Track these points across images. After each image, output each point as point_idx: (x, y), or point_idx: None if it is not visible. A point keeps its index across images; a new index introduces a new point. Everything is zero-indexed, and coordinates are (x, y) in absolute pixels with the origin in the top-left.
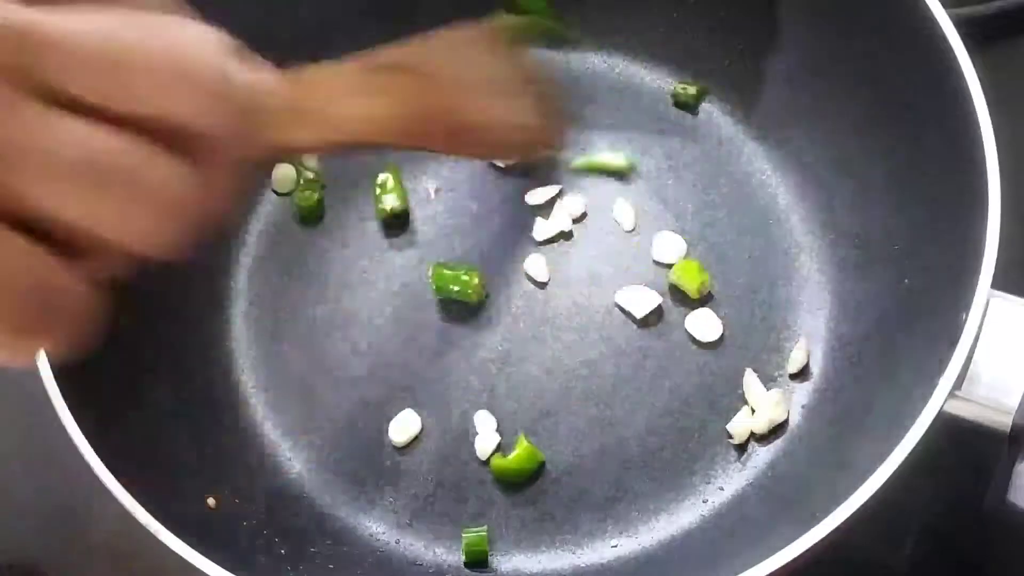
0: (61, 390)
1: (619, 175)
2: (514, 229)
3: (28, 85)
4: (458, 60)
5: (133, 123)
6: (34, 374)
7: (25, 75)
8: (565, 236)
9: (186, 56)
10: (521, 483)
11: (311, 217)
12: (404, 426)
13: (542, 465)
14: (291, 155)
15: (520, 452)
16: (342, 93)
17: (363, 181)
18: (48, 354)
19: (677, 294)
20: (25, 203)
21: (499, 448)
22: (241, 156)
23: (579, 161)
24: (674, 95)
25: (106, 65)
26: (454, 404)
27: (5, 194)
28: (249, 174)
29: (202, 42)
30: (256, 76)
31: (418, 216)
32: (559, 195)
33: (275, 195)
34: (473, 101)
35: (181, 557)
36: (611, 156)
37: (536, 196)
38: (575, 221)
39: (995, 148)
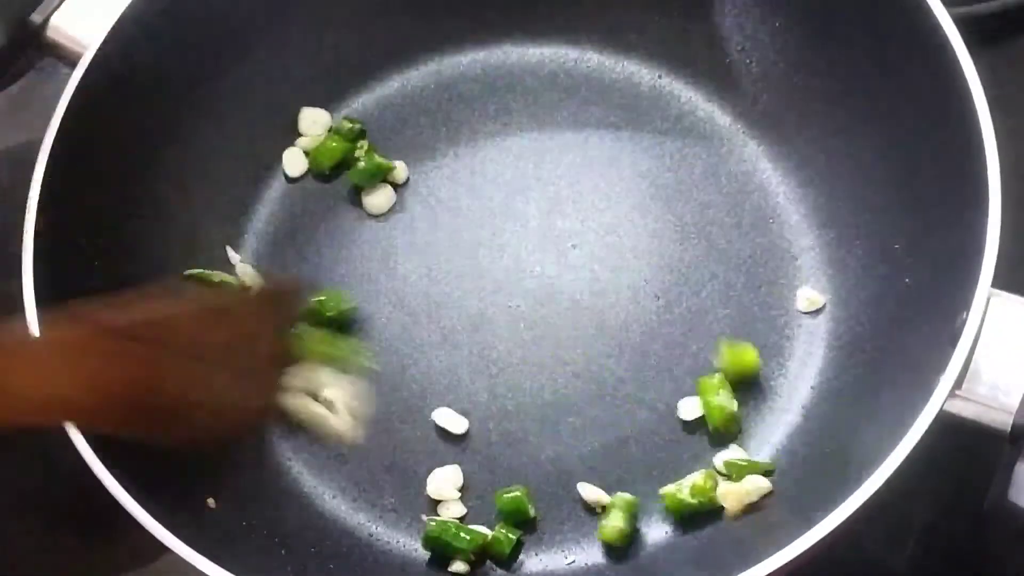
0: None
1: None
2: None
3: None
4: (194, 331)
5: None
6: None
7: None
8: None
9: None
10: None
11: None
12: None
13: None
14: None
15: (512, 499)
16: (30, 362)
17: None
18: None
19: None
20: None
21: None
22: None
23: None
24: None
25: None
26: (454, 404)
27: None
28: None
29: None
30: None
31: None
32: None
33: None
34: (190, 378)
35: (181, 557)
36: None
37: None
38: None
39: (995, 148)
